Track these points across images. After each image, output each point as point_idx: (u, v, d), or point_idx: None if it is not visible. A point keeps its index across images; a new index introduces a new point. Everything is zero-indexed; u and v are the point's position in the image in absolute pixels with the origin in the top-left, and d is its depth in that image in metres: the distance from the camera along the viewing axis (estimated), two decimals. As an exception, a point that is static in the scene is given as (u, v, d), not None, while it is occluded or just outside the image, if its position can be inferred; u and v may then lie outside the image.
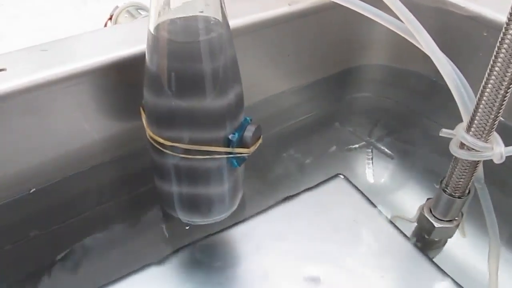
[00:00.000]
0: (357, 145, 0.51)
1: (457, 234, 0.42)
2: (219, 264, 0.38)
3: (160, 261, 0.38)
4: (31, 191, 0.40)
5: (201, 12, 0.30)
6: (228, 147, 0.34)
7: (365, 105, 0.57)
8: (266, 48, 0.48)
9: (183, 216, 0.39)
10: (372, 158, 0.51)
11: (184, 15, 0.30)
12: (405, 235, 0.41)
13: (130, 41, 0.38)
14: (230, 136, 0.33)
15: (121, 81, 0.39)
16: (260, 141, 0.35)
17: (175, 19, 0.30)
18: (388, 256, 0.39)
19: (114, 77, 0.38)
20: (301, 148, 0.50)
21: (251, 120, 0.35)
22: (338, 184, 0.45)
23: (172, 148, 0.33)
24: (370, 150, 0.51)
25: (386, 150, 0.51)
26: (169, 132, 0.33)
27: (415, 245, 0.40)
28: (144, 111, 0.34)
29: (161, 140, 0.33)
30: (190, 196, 0.37)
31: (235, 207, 0.40)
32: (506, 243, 0.42)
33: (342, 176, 0.45)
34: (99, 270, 0.38)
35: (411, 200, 0.46)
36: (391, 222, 0.41)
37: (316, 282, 0.37)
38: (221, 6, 0.30)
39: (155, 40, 0.30)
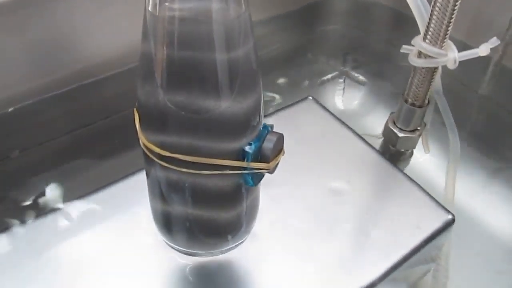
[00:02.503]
0: (329, 76, 0.54)
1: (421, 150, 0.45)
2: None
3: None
4: (9, 110, 0.41)
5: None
6: (243, 161, 0.27)
7: (335, 36, 0.59)
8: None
9: (182, 247, 0.32)
10: (344, 88, 0.53)
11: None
12: (372, 146, 0.43)
13: None
14: (246, 148, 0.26)
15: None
16: (282, 154, 0.29)
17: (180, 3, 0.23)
18: (356, 164, 0.41)
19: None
20: (273, 78, 0.52)
21: (271, 127, 0.28)
22: (308, 105, 0.47)
23: (171, 160, 0.26)
24: (342, 80, 0.53)
25: (360, 77, 0.53)
26: (168, 141, 0.26)
27: (383, 155, 0.43)
28: (138, 113, 0.27)
29: (158, 150, 0.26)
30: (192, 222, 0.30)
31: (248, 235, 0.33)
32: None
33: (311, 98, 0.48)
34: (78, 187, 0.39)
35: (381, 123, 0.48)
36: (359, 136, 0.44)
37: (282, 189, 0.39)
38: None
39: (153, 21, 0.23)
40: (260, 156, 0.27)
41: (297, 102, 0.47)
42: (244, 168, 0.27)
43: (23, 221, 0.35)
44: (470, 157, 0.46)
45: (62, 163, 0.42)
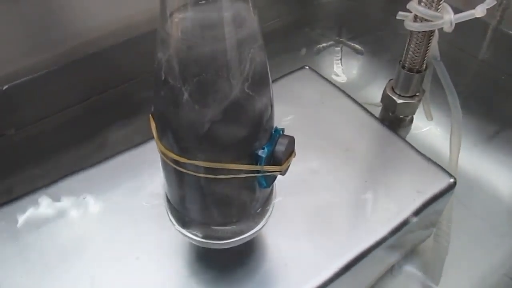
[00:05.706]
0: (325, 44, 0.53)
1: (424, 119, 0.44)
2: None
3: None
4: (4, 88, 0.40)
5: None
6: (256, 164, 0.28)
7: (332, 8, 0.58)
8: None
9: (199, 238, 0.33)
10: (341, 58, 0.52)
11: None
12: (370, 113, 0.43)
13: None
14: (259, 152, 0.28)
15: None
16: (293, 156, 0.30)
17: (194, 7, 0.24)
18: (354, 131, 0.41)
19: None
20: (270, 51, 0.52)
21: (283, 131, 0.29)
22: (305, 74, 0.47)
23: (189, 166, 0.27)
24: (339, 48, 0.53)
25: (357, 46, 0.53)
26: (185, 148, 0.27)
27: (382, 122, 0.42)
28: (154, 121, 0.28)
29: (176, 157, 0.27)
30: (208, 219, 0.32)
31: (261, 227, 0.34)
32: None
33: (307, 67, 0.47)
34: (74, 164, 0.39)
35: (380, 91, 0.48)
36: (358, 103, 0.44)
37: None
38: None
39: (166, 38, 0.24)
40: (272, 159, 0.28)
41: (293, 71, 0.47)
42: (258, 171, 0.28)
43: (19, 197, 0.35)
44: (471, 122, 0.45)
45: (59, 140, 0.41)
